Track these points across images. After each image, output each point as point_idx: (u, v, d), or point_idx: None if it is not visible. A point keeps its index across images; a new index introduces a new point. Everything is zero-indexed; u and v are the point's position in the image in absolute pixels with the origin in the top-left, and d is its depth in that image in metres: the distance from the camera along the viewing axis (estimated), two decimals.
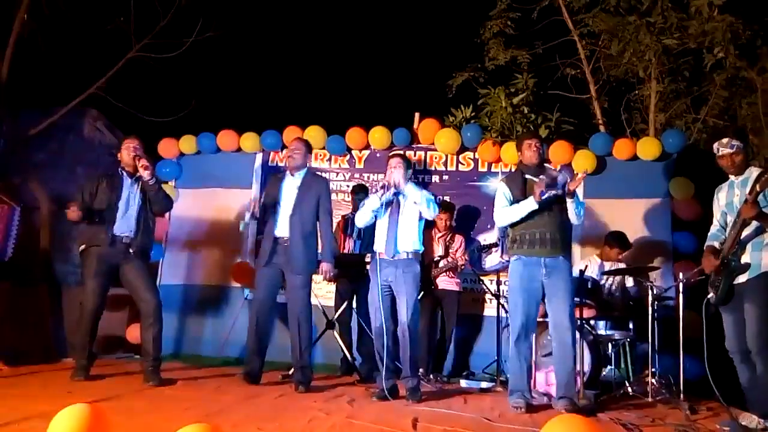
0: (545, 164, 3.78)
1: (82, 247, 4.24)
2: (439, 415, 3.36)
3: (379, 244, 4.04)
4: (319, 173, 5.04)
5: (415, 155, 5.90)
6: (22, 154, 5.88)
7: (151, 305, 4.19)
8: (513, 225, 3.82)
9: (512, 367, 3.74)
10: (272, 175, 4.84)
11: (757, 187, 3.15)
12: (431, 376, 4.86)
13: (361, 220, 4.12)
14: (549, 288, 3.69)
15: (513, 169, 5.68)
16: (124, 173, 4.36)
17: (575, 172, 3.78)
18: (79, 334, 4.20)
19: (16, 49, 5.92)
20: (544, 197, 3.65)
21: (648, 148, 5.48)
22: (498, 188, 3.98)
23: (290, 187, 4.36)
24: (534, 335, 3.84)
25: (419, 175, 5.86)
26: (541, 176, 3.73)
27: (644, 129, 6.93)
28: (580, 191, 3.83)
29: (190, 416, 2.97)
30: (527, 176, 3.83)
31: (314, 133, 5.98)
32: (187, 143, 6.28)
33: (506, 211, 3.83)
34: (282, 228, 4.27)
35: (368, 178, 5.99)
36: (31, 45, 6.06)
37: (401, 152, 4.58)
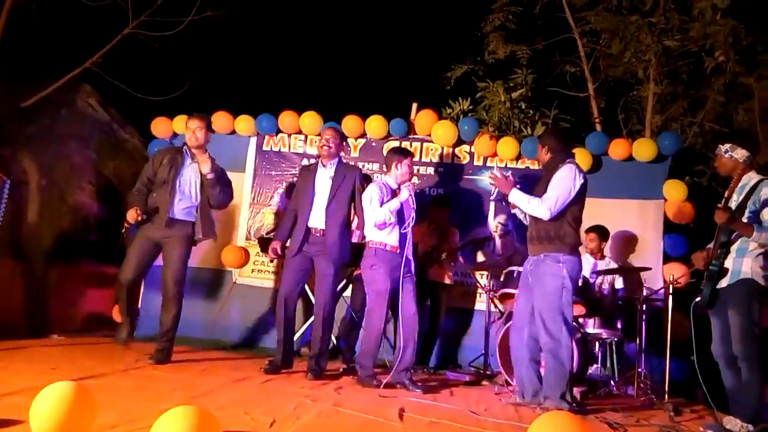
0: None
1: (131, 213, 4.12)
2: (426, 406, 3.36)
3: (392, 240, 4.03)
4: (351, 163, 5.03)
5: (411, 146, 5.87)
6: (13, 126, 5.78)
7: (170, 292, 4.15)
8: None
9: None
10: (303, 168, 4.75)
11: (726, 193, 3.24)
12: (417, 368, 4.86)
13: (380, 219, 3.99)
14: (533, 286, 3.67)
15: (507, 165, 5.74)
16: (187, 152, 4.23)
17: None
18: (117, 303, 4.18)
19: (10, 20, 5.80)
20: (491, 198, 3.74)
21: (643, 150, 5.48)
22: None
23: (323, 177, 4.32)
24: (525, 331, 3.75)
25: (414, 166, 5.83)
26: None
27: (640, 130, 6.96)
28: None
29: (175, 397, 2.96)
30: None
31: (310, 119, 5.94)
32: (181, 123, 6.15)
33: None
34: (316, 218, 4.25)
35: (363, 166, 5.94)
36: (25, 16, 5.94)
37: (408, 150, 4.56)
